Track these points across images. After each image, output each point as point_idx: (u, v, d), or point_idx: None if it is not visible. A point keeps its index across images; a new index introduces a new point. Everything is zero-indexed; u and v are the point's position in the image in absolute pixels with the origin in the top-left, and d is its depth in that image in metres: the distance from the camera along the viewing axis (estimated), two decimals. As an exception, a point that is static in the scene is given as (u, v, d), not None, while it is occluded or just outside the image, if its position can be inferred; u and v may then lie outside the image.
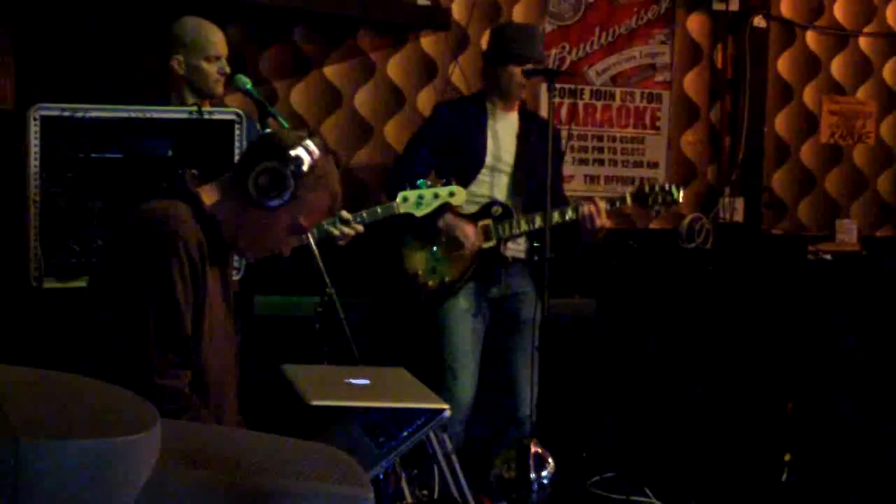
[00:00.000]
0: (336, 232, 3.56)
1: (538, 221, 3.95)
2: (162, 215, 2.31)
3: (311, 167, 2.36)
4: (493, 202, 4.06)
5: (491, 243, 4.03)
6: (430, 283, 4.02)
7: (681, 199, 4.17)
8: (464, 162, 4.06)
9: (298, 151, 2.34)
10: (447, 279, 4.02)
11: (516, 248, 4.13)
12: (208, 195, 2.41)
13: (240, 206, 2.38)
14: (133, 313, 2.26)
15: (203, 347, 2.36)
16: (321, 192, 2.41)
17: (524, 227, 4.01)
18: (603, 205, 4.01)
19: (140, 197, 2.43)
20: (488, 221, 4.03)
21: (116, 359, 2.24)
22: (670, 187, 4.15)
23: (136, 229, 2.33)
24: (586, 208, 3.98)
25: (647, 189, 4.15)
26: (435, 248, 4.01)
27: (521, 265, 4.13)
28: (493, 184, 4.09)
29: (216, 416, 2.39)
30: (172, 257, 2.26)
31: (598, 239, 4.05)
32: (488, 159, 4.08)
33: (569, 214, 4.00)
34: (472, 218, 4.04)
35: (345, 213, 3.59)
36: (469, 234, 3.99)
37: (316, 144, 2.38)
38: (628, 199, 4.11)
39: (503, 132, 4.13)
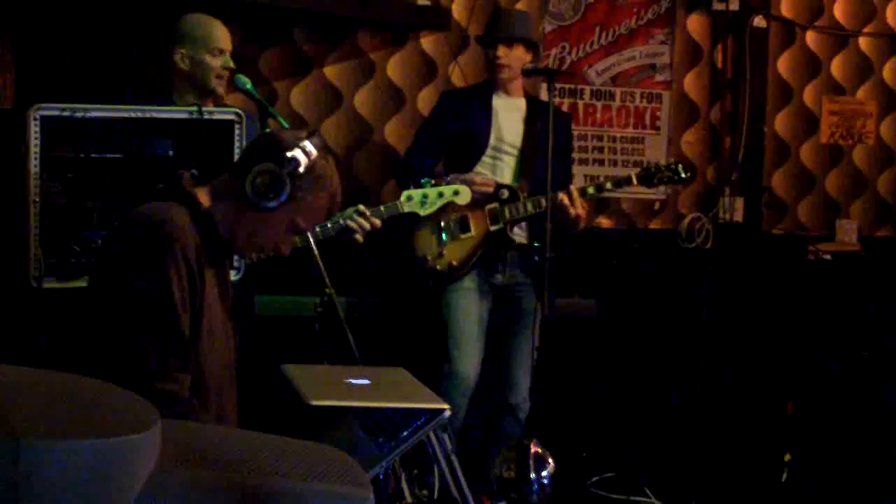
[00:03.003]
0: (354, 225, 3.57)
1: (544, 203, 3.95)
2: (159, 219, 2.30)
3: (309, 168, 2.36)
4: (500, 186, 4.07)
5: (498, 226, 4.05)
6: (439, 266, 4.04)
7: (685, 176, 4.17)
8: (468, 144, 4.10)
9: (295, 153, 2.34)
10: (455, 262, 4.04)
11: (520, 234, 4.14)
12: (205, 196, 2.40)
13: (237, 207, 2.38)
14: (131, 318, 2.25)
15: (202, 350, 2.36)
16: (319, 193, 2.41)
17: (531, 209, 4.02)
18: (577, 194, 4.00)
19: (139, 197, 2.43)
20: (495, 205, 4.05)
21: (115, 364, 2.23)
22: (676, 165, 4.17)
23: (132, 233, 2.33)
24: (560, 197, 3.96)
25: (652, 168, 4.17)
26: (444, 233, 4.03)
27: (524, 255, 4.13)
28: (498, 166, 4.12)
29: (216, 418, 2.39)
30: (169, 261, 2.25)
31: (578, 230, 4.05)
32: (492, 141, 4.11)
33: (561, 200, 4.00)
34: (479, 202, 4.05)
35: (362, 207, 3.60)
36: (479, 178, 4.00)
37: (315, 145, 2.37)
38: (634, 179, 4.11)
39: (509, 116, 4.16)
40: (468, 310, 4.07)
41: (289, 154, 2.34)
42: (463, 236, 4.05)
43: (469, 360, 4.05)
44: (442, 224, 4.04)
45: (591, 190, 4.09)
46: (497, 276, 4.12)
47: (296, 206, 2.38)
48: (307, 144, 2.36)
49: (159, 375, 2.23)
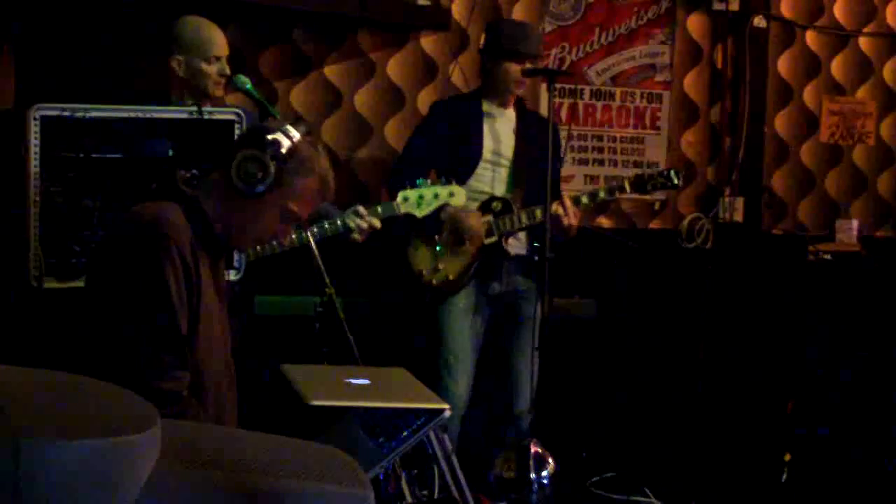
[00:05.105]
0: (353, 225, 3.57)
1: (538, 215, 3.95)
2: (153, 218, 2.31)
3: (292, 150, 2.36)
4: (493, 198, 4.06)
5: (493, 239, 4.04)
6: (435, 281, 4.03)
7: (679, 183, 4.18)
8: (462, 156, 4.07)
9: (276, 136, 2.35)
10: (451, 277, 4.03)
11: (517, 245, 4.14)
12: (199, 194, 2.41)
13: (228, 199, 2.39)
14: (128, 318, 2.25)
15: (199, 347, 2.36)
16: (307, 176, 2.41)
17: (525, 221, 4.02)
18: (570, 203, 3.99)
19: (139, 197, 2.43)
20: (489, 217, 4.04)
21: (114, 363, 2.23)
22: (668, 172, 4.17)
23: (128, 233, 2.33)
24: (554, 207, 3.95)
25: (645, 175, 4.17)
26: (438, 247, 4.02)
27: (523, 263, 4.14)
28: (493, 178, 4.11)
29: (215, 416, 2.39)
30: (165, 260, 2.26)
31: (569, 237, 4.05)
32: (486, 153, 4.10)
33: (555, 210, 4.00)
34: None
35: (361, 208, 3.61)
36: (474, 224, 3.99)
37: (297, 129, 2.38)
38: (627, 187, 4.11)
39: (501, 127, 4.14)
40: (461, 329, 4.06)
41: (270, 137, 2.34)
42: (458, 250, 4.04)
43: (460, 380, 4.04)
44: (437, 237, 4.03)
45: (584, 199, 4.07)
46: (494, 285, 4.11)
47: (284, 190, 2.38)
48: (289, 128, 2.37)
49: (157, 374, 2.24)
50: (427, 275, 4.03)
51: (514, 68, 4.04)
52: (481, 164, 4.09)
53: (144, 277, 2.26)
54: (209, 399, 2.39)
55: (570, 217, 3.98)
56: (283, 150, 2.34)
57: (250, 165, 2.34)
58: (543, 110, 4.64)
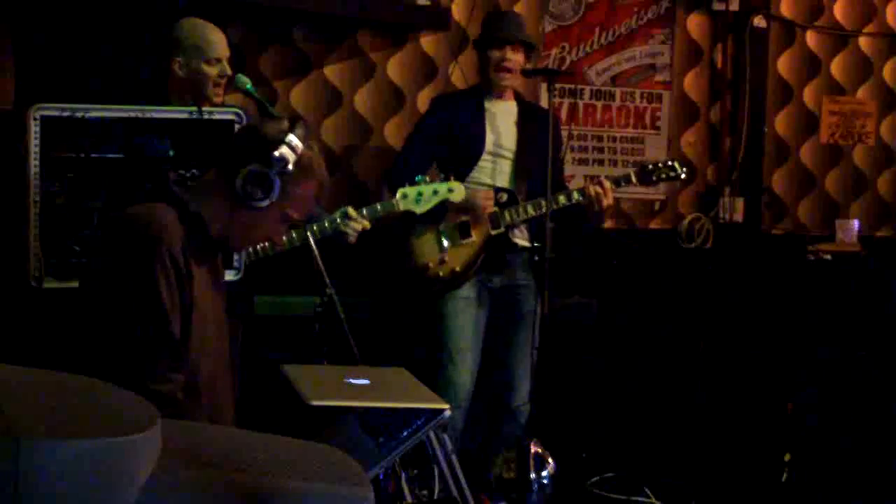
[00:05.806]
0: (347, 229, 3.57)
1: (544, 206, 3.94)
2: (144, 220, 2.30)
3: (296, 162, 2.36)
4: (497, 189, 4.06)
5: (499, 230, 4.04)
6: (441, 273, 4.03)
7: (683, 174, 4.20)
8: (464, 149, 4.09)
9: (282, 151, 2.34)
10: (458, 268, 4.03)
11: (521, 237, 4.14)
12: (193, 194, 2.40)
13: (227, 205, 2.38)
14: (121, 321, 2.25)
15: (192, 348, 2.35)
16: (307, 183, 2.42)
17: (531, 212, 4.02)
18: (609, 184, 4.03)
19: (136, 197, 2.43)
20: (495, 209, 4.04)
21: (108, 366, 2.22)
22: (672, 162, 4.20)
23: (120, 235, 2.33)
24: (593, 189, 3.99)
25: (650, 166, 4.18)
26: (443, 237, 4.02)
27: (524, 257, 4.14)
28: (496, 170, 4.11)
29: (210, 417, 2.39)
30: (156, 263, 2.25)
31: (602, 222, 4.08)
32: (488, 145, 4.11)
33: (574, 197, 4.01)
34: None
35: (351, 210, 3.60)
36: (481, 197, 4.00)
37: (299, 136, 2.37)
38: (633, 178, 4.12)
39: (502, 119, 4.16)
40: (465, 320, 4.06)
41: (277, 154, 2.34)
42: (464, 241, 4.04)
43: (464, 371, 4.04)
44: (441, 230, 4.03)
45: (607, 184, 4.09)
46: (494, 278, 4.11)
47: (286, 200, 2.39)
48: (293, 139, 2.36)
49: (151, 377, 2.23)
50: (433, 267, 4.03)
51: (496, 54, 4.07)
52: (483, 157, 4.10)
53: (135, 281, 2.25)
54: (202, 399, 2.38)
55: (609, 198, 4.01)
56: (290, 167, 2.34)
57: (256, 182, 2.34)
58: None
